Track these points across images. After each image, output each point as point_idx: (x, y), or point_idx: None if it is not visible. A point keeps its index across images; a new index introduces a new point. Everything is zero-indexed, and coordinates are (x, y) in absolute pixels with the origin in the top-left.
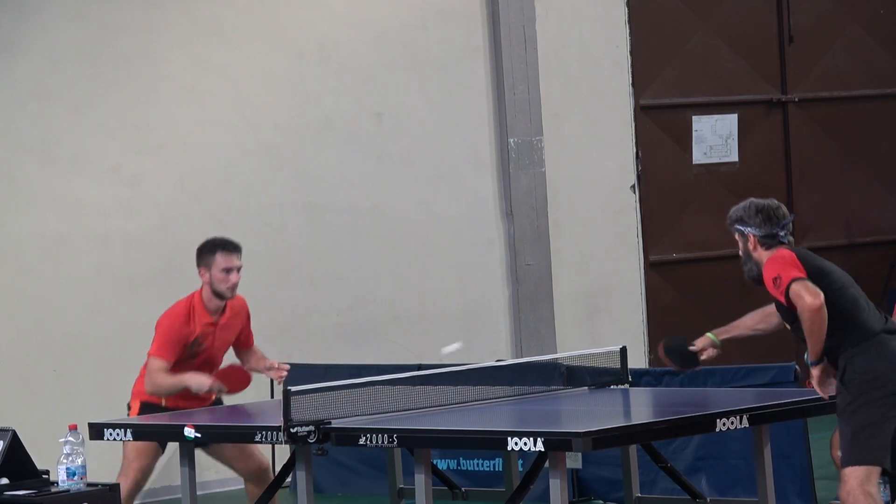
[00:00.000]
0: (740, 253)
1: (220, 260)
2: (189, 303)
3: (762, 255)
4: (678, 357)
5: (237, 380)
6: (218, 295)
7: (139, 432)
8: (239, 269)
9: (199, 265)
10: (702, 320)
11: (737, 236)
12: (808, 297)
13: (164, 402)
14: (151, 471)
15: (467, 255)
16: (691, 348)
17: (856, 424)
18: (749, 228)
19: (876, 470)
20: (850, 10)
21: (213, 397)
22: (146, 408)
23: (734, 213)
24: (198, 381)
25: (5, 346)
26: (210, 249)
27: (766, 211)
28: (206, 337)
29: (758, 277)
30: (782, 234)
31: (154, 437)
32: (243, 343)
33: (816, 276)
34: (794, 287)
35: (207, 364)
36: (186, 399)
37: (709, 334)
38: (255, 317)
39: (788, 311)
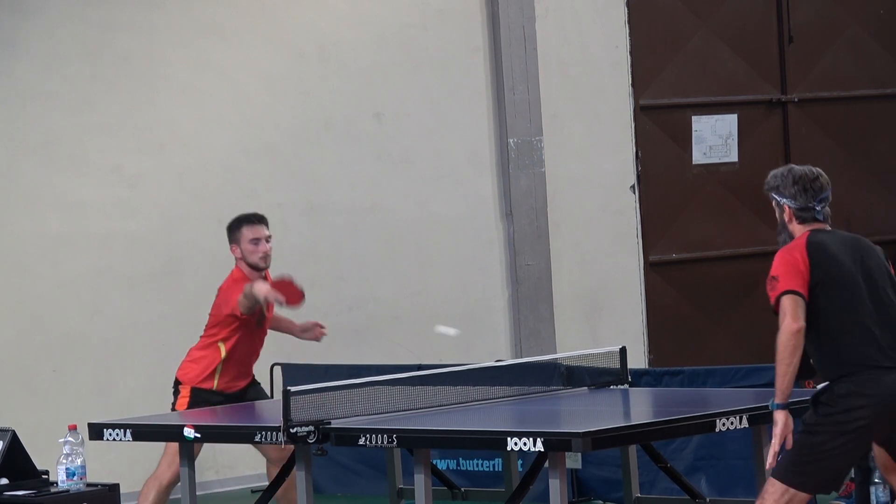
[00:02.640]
0: (777, 220)
1: (247, 232)
2: (237, 272)
3: (796, 228)
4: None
5: (292, 291)
6: (253, 267)
7: (139, 433)
8: (268, 239)
9: (230, 244)
10: (701, 320)
11: (773, 204)
12: (789, 318)
13: (215, 386)
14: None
15: (467, 255)
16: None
17: (807, 443)
18: (785, 199)
19: (800, 496)
20: (849, 10)
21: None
22: (197, 393)
23: (772, 179)
24: (260, 287)
25: (5, 345)
26: (236, 225)
27: (803, 181)
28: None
29: None
30: (818, 207)
31: (154, 437)
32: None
33: (824, 284)
34: (784, 301)
35: (264, 333)
36: (236, 379)
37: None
38: None
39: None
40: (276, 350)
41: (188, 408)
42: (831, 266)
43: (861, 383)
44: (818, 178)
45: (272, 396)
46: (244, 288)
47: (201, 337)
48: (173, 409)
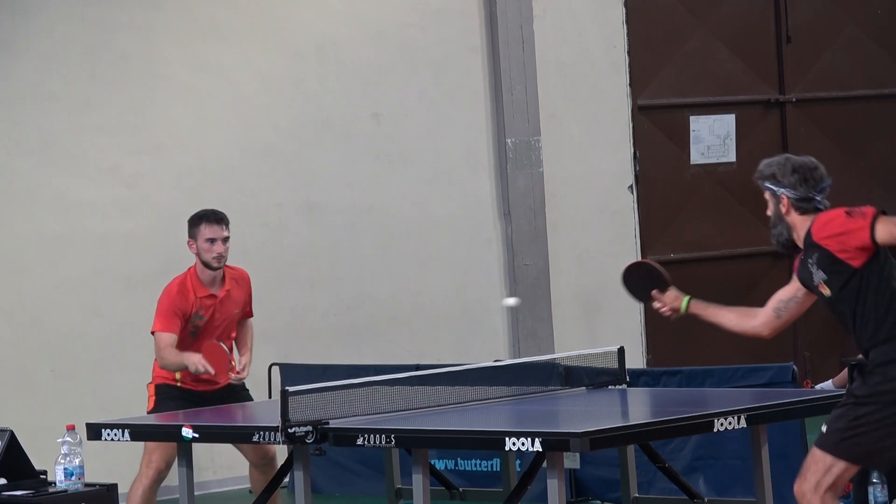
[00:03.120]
0: (769, 213)
1: (205, 230)
2: (184, 278)
3: (796, 219)
4: (637, 282)
5: (222, 366)
6: (206, 265)
7: (137, 433)
8: (225, 240)
9: (188, 238)
10: (699, 320)
11: (767, 195)
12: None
13: (178, 382)
14: (174, 459)
15: (465, 255)
16: (655, 292)
17: (856, 415)
18: (783, 189)
19: (840, 467)
20: (847, 10)
21: (228, 379)
22: (161, 389)
23: (766, 167)
24: (192, 360)
25: (3, 346)
26: (195, 221)
27: (803, 170)
28: (206, 310)
29: (787, 242)
30: (819, 198)
31: (152, 437)
32: (243, 314)
33: (875, 253)
34: (884, 220)
35: (217, 335)
36: (197, 381)
37: (685, 300)
38: (254, 317)
39: (842, 273)
40: (274, 350)
41: (155, 404)
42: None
43: None
44: (818, 168)
45: (270, 397)
46: (178, 358)
47: None
48: (147, 413)
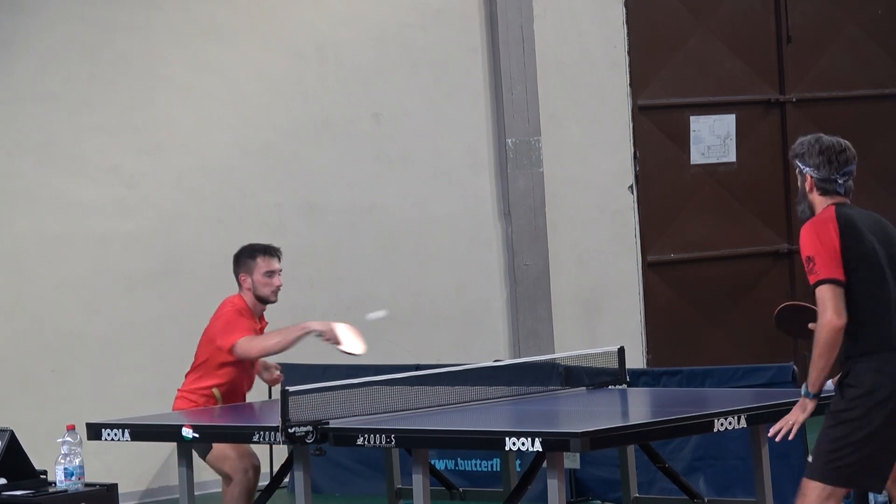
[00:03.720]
0: (798, 188)
1: (262, 264)
2: (240, 305)
3: (817, 199)
4: (790, 325)
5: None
6: (261, 300)
7: (137, 433)
8: (280, 272)
9: (239, 271)
10: (700, 320)
11: (796, 171)
12: (831, 312)
13: (219, 404)
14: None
15: (465, 255)
16: (811, 325)
17: (838, 435)
18: (808, 168)
19: (839, 491)
20: (848, 10)
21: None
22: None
23: (798, 146)
24: (296, 329)
25: (4, 345)
26: (250, 254)
27: (828, 152)
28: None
29: (809, 219)
30: (841, 181)
31: (153, 437)
32: None
33: (853, 262)
34: (824, 293)
35: (246, 372)
36: (233, 394)
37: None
38: None
39: None
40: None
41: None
42: (861, 244)
43: (885, 362)
44: (845, 151)
45: (270, 397)
46: (263, 342)
47: (191, 371)
48: None
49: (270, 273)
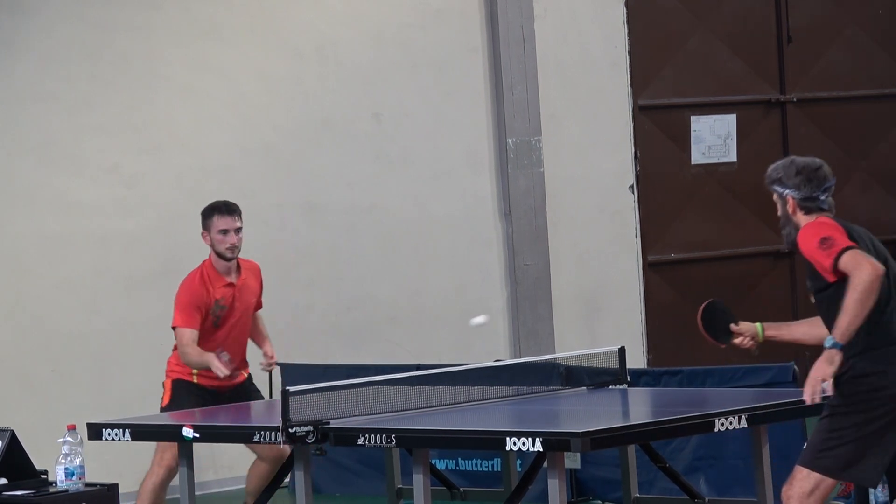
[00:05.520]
0: (779, 214)
1: (218, 222)
2: (200, 270)
3: (801, 219)
4: (712, 324)
5: (235, 354)
6: (220, 256)
7: (138, 433)
8: (238, 230)
9: (202, 230)
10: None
11: (775, 197)
12: (868, 265)
13: (195, 378)
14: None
15: (465, 255)
16: (733, 326)
17: (832, 427)
18: (788, 190)
19: (826, 482)
20: (848, 10)
21: (243, 377)
22: (178, 385)
23: (773, 171)
24: (214, 363)
25: (4, 345)
26: (208, 213)
27: (806, 171)
28: (226, 299)
29: (796, 242)
30: (823, 197)
31: (153, 437)
32: (256, 304)
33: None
34: (852, 254)
35: (237, 329)
36: (214, 377)
37: (757, 325)
38: None
39: (820, 280)
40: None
41: (170, 400)
42: (862, 243)
43: (882, 361)
44: (821, 168)
45: (271, 396)
46: (201, 358)
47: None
48: (161, 408)
49: (225, 231)
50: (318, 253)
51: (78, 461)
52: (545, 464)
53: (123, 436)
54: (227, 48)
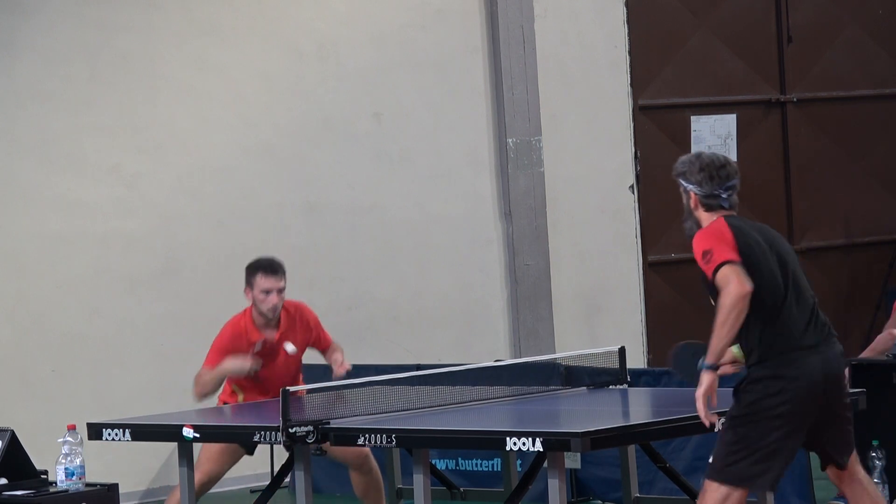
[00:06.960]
0: (683, 205)
1: (262, 281)
2: (240, 318)
3: (702, 215)
4: (685, 368)
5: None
6: (261, 314)
7: (138, 433)
8: (280, 291)
9: (245, 284)
10: (700, 320)
11: (681, 190)
12: (734, 285)
13: (240, 400)
14: (222, 474)
15: (466, 255)
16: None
17: (734, 438)
18: (691, 185)
19: (737, 493)
20: (848, 10)
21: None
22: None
23: (680, 164)
24: (235, 363)
25: (4, 345)
26: (252, 270)
27: (709, 168)
28: (265, 356)
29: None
30: (724, 195)
31: (153, 437)
32: (321, 346)
33: (749, 268)
34: (725, 270)
35: (276, 375)
36: (261, 393)
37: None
38: None
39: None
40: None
41: None
42: (753, 249)
43: (778, 367)
44: (725, 166)
45: None
46: (214, 371)
47: None
48: None
49: (267, 291)
50: (318, 253)
51: (78, 461)
52: (545, 464)
53: (123, 436)
54: (227, 48)
